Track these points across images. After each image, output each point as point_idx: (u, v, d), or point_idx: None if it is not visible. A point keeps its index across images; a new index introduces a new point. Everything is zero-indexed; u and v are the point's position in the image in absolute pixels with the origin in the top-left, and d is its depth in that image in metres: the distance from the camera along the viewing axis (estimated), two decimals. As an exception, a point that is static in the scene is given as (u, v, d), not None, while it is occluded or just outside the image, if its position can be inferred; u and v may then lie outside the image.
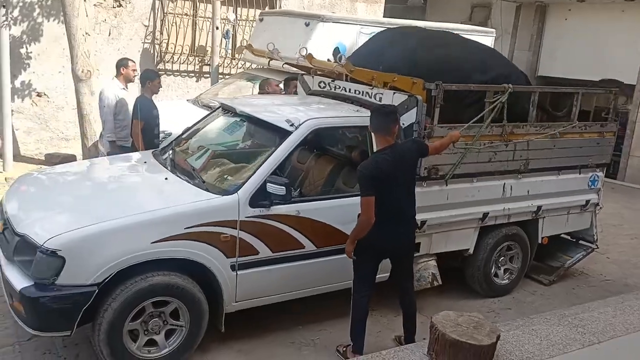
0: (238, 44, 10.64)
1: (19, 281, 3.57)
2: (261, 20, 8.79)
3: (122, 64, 6.54)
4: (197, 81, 10.40)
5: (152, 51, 9.87)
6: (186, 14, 10.00)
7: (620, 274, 6.41)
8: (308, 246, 4.30)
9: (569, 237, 6.12)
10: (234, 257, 4.02)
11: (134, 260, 3.65)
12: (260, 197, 4.05)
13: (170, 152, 4.94)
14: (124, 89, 6.50)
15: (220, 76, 9.65)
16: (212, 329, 4.12)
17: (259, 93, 7.19)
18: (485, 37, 9.04)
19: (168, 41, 9.83)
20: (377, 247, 4.01)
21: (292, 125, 4.30)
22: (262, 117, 4.48)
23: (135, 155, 5.26)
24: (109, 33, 9.48)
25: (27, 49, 8.92)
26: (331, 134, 4.75)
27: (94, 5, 9.18)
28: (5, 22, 7.83)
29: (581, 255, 6.06)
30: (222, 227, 3.95)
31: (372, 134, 4.05)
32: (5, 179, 7.58)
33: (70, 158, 8.96)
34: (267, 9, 10.69)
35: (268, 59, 5.99)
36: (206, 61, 10.31)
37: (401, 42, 5.46)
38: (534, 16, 14.17)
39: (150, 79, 6.21)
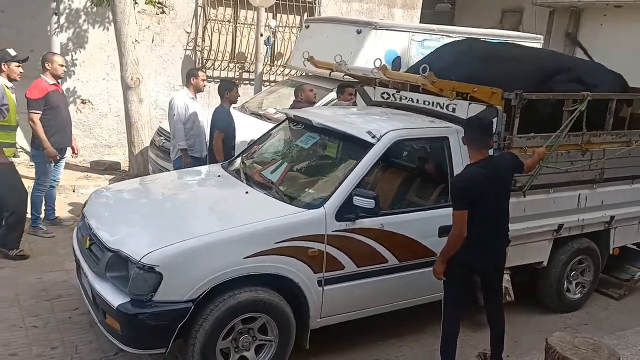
0: (277, 51, 10.61)
1: (115, 297, 3.53)
2: (307, 27, 8.74)
3: (192, 74, 6.57)
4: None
5: (193, 58, 9.86)
6: (228, 21, 9.97)
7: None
8: (391, 260, 4.24)
9: (635, 247, 6.00)
10: (321, 272, 3.96)
11: (228, 275, 3.61)
12: (346, 211, 4.00)
13: (241, 165, 4.90)
14: (193, 98, 6.52)
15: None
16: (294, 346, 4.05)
17: (294, 101, 7.09)
18: (533, 44, 8.92)
19: (210, 48, 9.80)
20: (468, 263, 3.92)
21: (373, 137, 4.24)
22: (342, 129, 4.42)
23: (206, 169, 5.22)
24: (152, 40, 9.48)
25: (72, 56, 8.95)
26: (408, 145, 4.64)
27: (138, 12, 9.17)
28: (57, 30, 7.84)
29: (650, 266, 5.94)
30: (310, 241, 3.90)
31: (467, 146, 3.96)
32: (55, 186, 7.57)
33: (116, 166, 8.99)
34: (306, 15, 10.66)
35: (329, 70, 5.94)
36: (246, 67, 10.27)
37: (465, 56, 5.37)
38: (568, 21, 14.02)
39: (229, 89, 6.23)
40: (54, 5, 7.89)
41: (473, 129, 3.92)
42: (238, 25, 10.11)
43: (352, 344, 4.49)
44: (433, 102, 4.97)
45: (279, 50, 10.62)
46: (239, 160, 5.10)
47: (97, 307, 3.84)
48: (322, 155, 4.72)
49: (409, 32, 7.79)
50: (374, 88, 5.64)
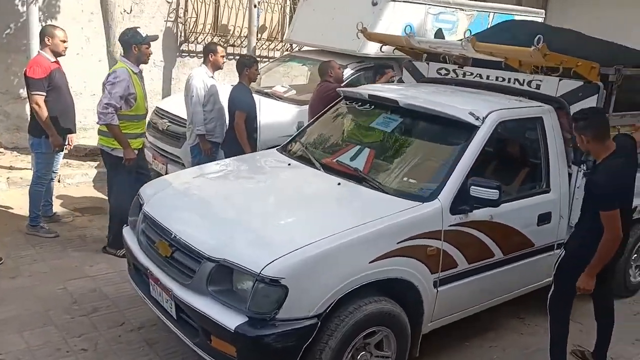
0: (260, 24, 9.87)
1: (228, 317, 2.93)
2: (308, -3, 8.09)
3: (210, 49, 5.85)
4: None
5: (175, 30, 8.98)
6: (214, -11, 9.15)
7: None
8: (497, 254, 3.85)
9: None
10: (437, 272, 3.52)
11: (353, 284, 3.09)
12: (460, 203, 3.57)
13: (306, 151, 4.33)
14: (212, 77, 5.80)
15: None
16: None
17: (322, 80, 6.45)
18: (534, 18, 8.75)
19: (197, 20, 8.94)
20: None
21: (477, 118, 3.81)
22: (439, 109, 3.93)
23: (263, 155, 4.59)
24: (130, 10, 8.51)
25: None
26: (508, 127, 4.18)
27: (114, -22, 8.18)
28: (33, -1, 6.80)
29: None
30: (429, 238, 3.44)
31: (590, 143, 3.55)
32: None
33: (97, 150, 8.02)
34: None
35: (382, 44, 5.43)
36: (231, 41, 9.50)
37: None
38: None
39: (248, 66, 5.56)
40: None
41: (600, 120, 3.54)
42: (222, -5, 9.29)
43: (442, 347, 4.08)
44: (509, 79, 4.60)
45: (262, 23, 9.89)
46: (297, 145, 4.51)
47: (186, 327, 3.23)
48: (408, 139, 4.20)
49: (425, 4, 7.35)
50: (428, 64, 5.21)
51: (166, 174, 6.56)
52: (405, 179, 3.81)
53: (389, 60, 7.12)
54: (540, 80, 4.41)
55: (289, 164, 4.18)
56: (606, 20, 12.18)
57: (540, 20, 8.84)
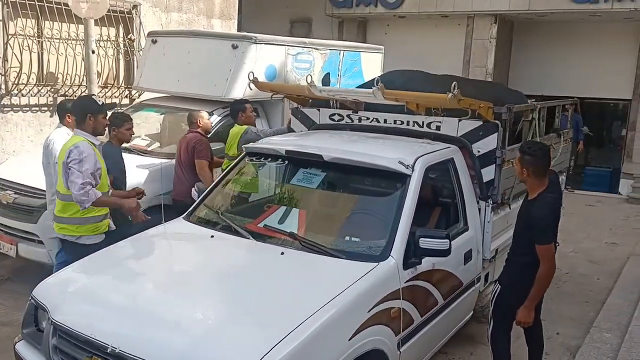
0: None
1: None
2: (154, 41, 7.50)
3: (66, 108, 5.01)
4: (52, 116, 8.45)
5: (-6, 83, 7.72)
6: (38, 36, 8.05)
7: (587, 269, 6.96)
8: (440, 301, 3.83)
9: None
10: (399, 332, 3.36)
11: (339, 368, 2.79)
12: (410, 256, 3.47)
13: (221, 217, 3.90)
14: (74, 137, 4.98)
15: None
16: None
17: (188, 130, 5.98)
18: (376, 54, 9.19)
19: (20, 70, 7.78)
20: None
21: (407, 166, 3.75)
22: (368, 161, 3.78)
23: (176, 227, 3.96)
24: None
25: None
26: (430, 171, 4.16)
27: None
28: None
29: (552, 254, 6.53)
30: (391, 300, 3.28)
31: (530, 177, 3.70)
32: None
33: None
34: (121, 28, 9.27)
35: (274, 93, 5.19)
36: (62, 91, 8.45)
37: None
38: (357, 31, 14.91)
39: (117, 125, 4.89)
40: None
41: (545, 157, 3.70)
42: (47, 40, 8.23)
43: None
44: (409, 121, 4.67)
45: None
46: (209, 211, 4.05)
47: None
48: (338, 195, 3.99)
49: (285, 45, 7.28)
50: (318, 110, 5.10)
51: (17, 255, 5.56)
52: (348, 238, 3.60)
53: (255, 103, 6.90)
54: (440, 122, 4.54)
55: (212, 236, 3.70)
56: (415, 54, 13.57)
57: (381, 54, 9.31)
